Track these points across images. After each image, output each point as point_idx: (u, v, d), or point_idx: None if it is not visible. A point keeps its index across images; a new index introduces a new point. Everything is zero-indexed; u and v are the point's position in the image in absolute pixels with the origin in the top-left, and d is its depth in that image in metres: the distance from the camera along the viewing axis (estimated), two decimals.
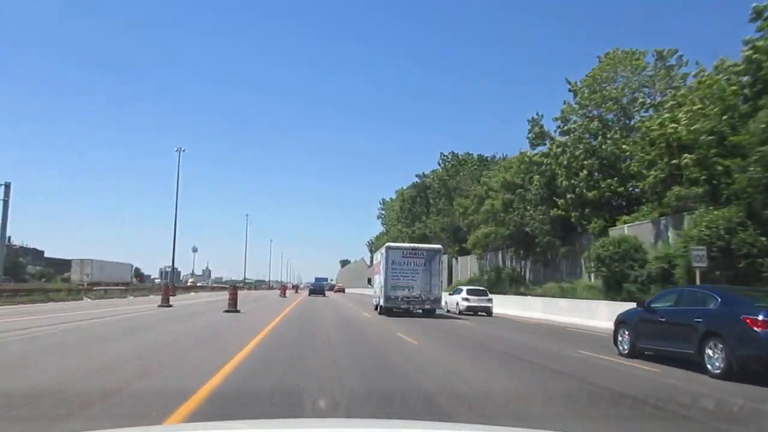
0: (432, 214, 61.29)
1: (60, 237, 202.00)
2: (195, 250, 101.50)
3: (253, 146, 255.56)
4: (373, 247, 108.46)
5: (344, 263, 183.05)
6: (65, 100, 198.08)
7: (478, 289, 27.62)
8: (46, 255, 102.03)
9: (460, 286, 31.04)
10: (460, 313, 25.12)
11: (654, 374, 9.33)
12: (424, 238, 64.68)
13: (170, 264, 57.59)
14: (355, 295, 66.30)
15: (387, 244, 25.00)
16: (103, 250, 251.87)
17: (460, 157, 59.98)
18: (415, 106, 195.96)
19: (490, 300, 25.88)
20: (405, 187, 72.52)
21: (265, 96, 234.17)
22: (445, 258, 53.08)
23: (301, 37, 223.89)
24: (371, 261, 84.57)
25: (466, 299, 25.69)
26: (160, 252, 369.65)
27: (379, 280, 24.53)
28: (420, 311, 22.56)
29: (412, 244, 27.31)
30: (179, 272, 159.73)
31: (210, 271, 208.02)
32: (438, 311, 23.66)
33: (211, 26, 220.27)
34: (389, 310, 22.32)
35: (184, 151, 50.49)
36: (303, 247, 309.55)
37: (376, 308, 25.01)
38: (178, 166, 49.90)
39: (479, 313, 25.09)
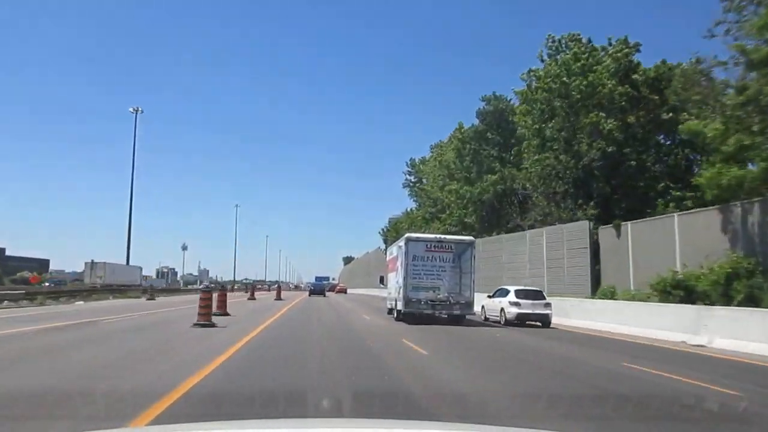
0: (528, 154, 32.98)
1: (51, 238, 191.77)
2: (185, 248, 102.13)
3: (252, 144, 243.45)
4: (388, 236, 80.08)
5: (347, 260, 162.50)
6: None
7: (532, 290, 20.77)
8: (7, 254, 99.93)
9: (504, 286, 22.23)
10: (506, 322, 19.56)
11: None
12: (500, 201, 37.13)
13: (168, 264, 55.16)
14: (358, 297, 56.89)
15: (407, 235, 20.96)
16: (97, 251, 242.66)
17: (584, 42, 31.43)
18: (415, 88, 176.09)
19: (547, 305, 19.49)
20: (465, 126, 43.83)
21: (263, 92, 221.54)
22: (576, 233, 25.66)
23: (297, 32, 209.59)
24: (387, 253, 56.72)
25: (515, 303, 19.61)
26: (159, 252, 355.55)
27: (395, 279, 21.27)
28: (446, 316, 19.35)
29: (439, 236, 22.77)
30: (176, 272, 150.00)
31: (207, 270, 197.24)
32: (468, 316, 19.58)
33: (204, 9, 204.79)
34: (410, 315, 18.88)
35: (141, 112, 45.56)
36: (306, 247, 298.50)
37: (390, 312, 22.28)
38: (135, 130, 44.21)
39: (528, 321, 19.18)
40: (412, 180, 65.47)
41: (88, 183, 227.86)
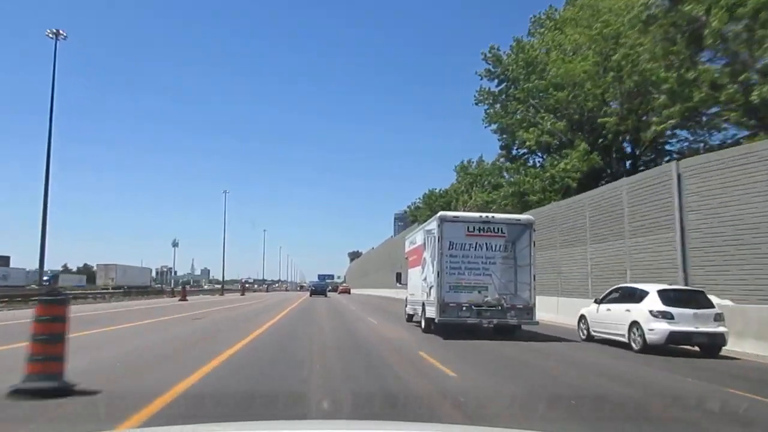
0: None
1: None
2: (175, 244, 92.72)
3: (252, 143, 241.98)
4: (417, 218, 64.28)
5: (354, 256, 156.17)
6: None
7: (688, 291, 13.57)
8: None
9: (633, 285, 14.71)
10: (645, 346, 12.17)
11: None
12: None
13: (168, 264, 56.80)
14: (371, 300, 47.97)
15: (440, 213, 16.21)
16: (67, 250, 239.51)
17: None
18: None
19: (719, 317, 12.15)
20: None
21: (263, 92, 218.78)
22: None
23: (295, 23, 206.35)
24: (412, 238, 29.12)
25: (664, 314, 12.18)
26: (158, 252, 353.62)
27: (422, 276, 16.89)
28: (492, 326, 14.72)
29: (484, 214, 16.33)
30: (175, 272, 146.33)
31: (209, 270, 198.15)
32: (524, 326, 15.09)
33: (204, 9, 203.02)
34: (446, 325, 14.90)
35: (65, 38, 33.65)
36: (310, 245, 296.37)
37: (411, 319, 18.73)
38: (54, 59, 33.06)
39: (676, 342, 12.24)
40: (494, 89, 37.29)
41: (59, 182, 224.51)
